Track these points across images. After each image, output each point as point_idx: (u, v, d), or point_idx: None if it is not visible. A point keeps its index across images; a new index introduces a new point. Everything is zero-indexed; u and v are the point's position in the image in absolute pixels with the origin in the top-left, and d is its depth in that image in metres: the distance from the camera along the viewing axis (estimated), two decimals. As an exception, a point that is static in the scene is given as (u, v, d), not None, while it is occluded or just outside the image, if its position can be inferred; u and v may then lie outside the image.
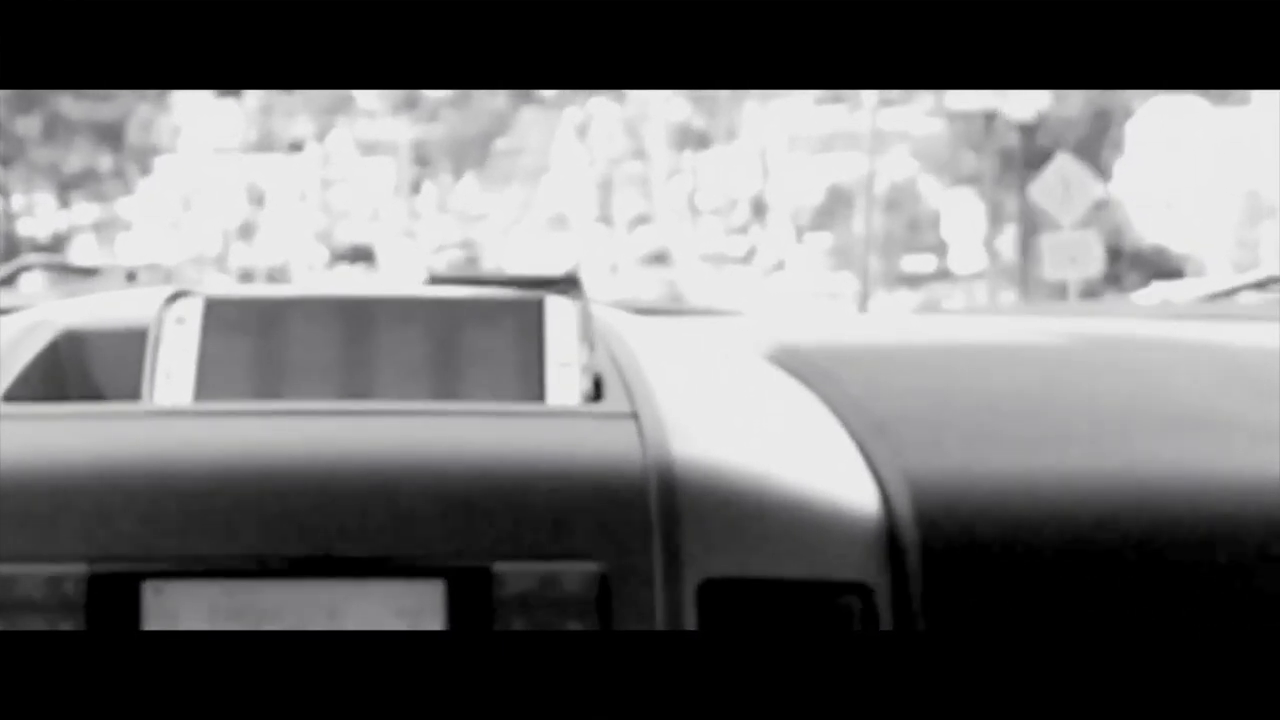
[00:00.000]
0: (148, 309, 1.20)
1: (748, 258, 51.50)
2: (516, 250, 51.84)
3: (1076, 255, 18.43)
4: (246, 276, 48.26)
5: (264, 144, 64.00)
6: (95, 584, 0.96)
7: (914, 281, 35.70)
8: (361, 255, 55.65)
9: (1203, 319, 1.74)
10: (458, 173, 70.53)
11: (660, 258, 51.78)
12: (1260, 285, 2.26)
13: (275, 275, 47.35)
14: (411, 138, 67.24)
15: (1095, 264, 18.20)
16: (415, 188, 66.75)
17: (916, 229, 36.58)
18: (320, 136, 66.69)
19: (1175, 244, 30.18)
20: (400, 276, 47.46)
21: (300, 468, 0.99)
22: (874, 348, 1.39)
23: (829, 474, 1.07)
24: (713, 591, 0.99)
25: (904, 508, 1.05)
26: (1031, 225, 20.90)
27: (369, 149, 67.21)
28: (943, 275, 35.92)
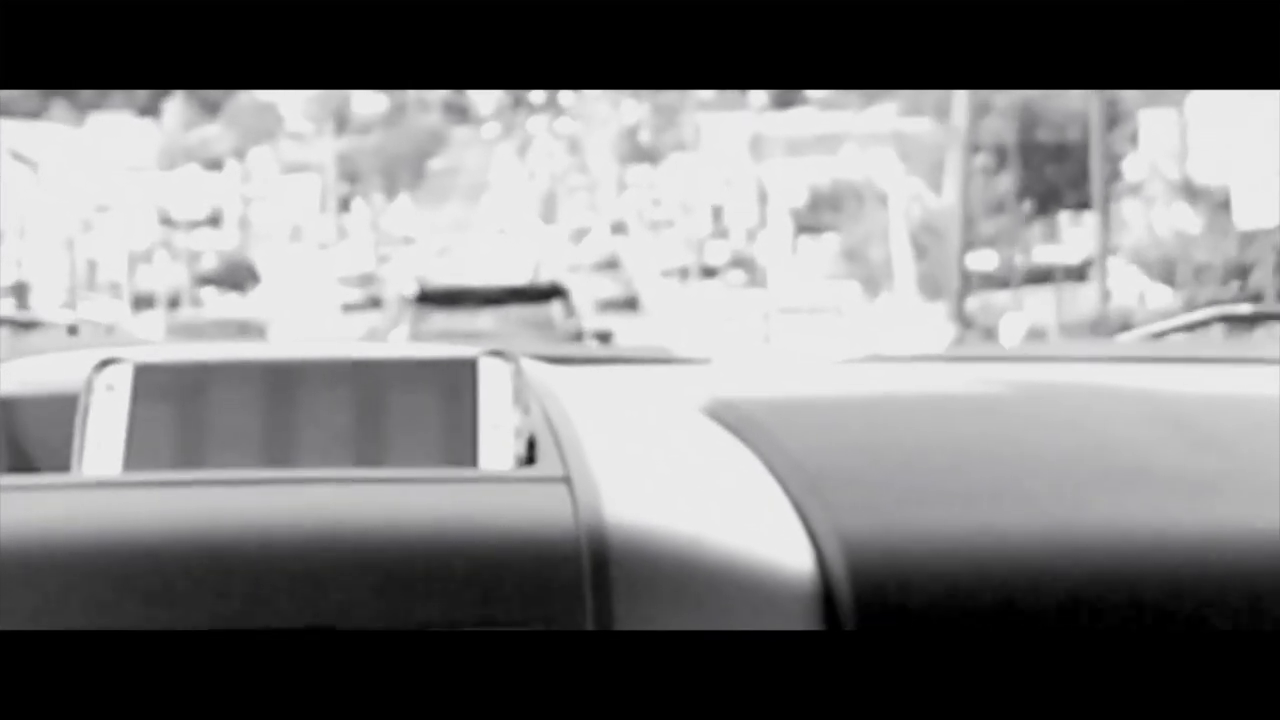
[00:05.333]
0: (80, 373, 1.11)
1: (724, 270, 46.51)
2: (470, 259, 48.20)
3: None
4: (143, 302, 40.31)
5: (177, 161, 57.09)
6: None
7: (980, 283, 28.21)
8: (239, 277, 48.45)
9: (1144, 362, 1.62)
10: (390, 191, 65.21)
11: (611, 264, 48.33)
12: (1193, 327, 2.04)
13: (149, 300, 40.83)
14: (338, 150, 61.72)
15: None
16: (344, 205, 62.10)
17: (931, 231, 29.82)
18: (240, 154, 60.72)
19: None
20: (286, 301, 45.43)
21: (232, 539, 0.95)
22: (811, 400, 1.30)
23: (764, 534, 1.03)
24: None
25: (838, 567, 1.01)
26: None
27: (294, 166, 61.28)
28: (1001, 281, 28.53)
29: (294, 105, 69.00)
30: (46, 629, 0.90)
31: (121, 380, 1.08)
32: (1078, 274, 26.05)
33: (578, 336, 14.56)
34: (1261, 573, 1.00)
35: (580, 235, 54.24)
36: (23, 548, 0.93)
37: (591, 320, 20.97)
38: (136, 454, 1.05)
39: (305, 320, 38.69)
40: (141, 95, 73.09)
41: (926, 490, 1.09)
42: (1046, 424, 1.23)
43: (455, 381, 1.08)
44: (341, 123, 66.13)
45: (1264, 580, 0.99)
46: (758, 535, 1.01)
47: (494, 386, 1.08)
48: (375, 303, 41.08)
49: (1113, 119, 39.97)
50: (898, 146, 35.09)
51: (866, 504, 1.06)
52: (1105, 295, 19.64)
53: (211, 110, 68.51)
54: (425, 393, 1.07)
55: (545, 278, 21.90)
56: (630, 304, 41.23)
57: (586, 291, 39.42)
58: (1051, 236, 32.31)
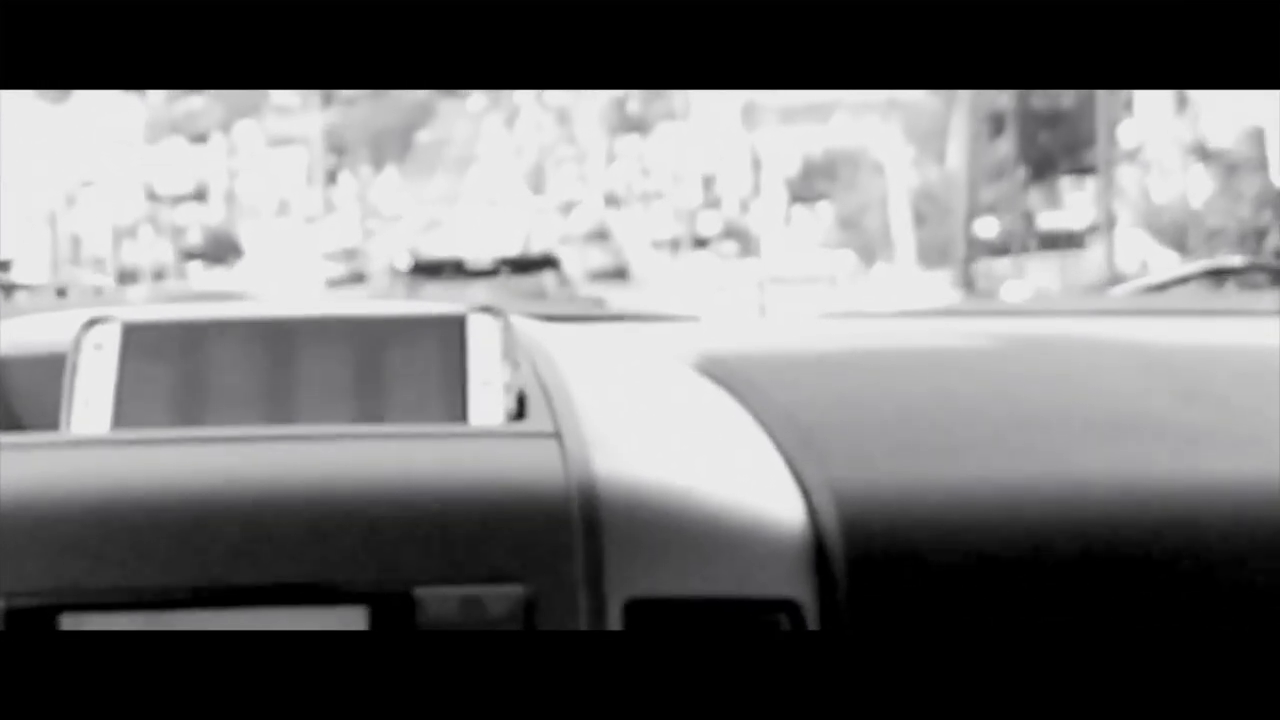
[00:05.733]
0: (69, 333, 1.11)
1: (717, 240, 45.83)
2: (460, 232, 47.30)
3: None
4: (128, 277, 39.78)
5: (162, 135, 56.48)
6: (12, 618, 0.93)
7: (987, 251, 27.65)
8: (224, 251, 47.87)
9: (1136, 315, 1.62)
10: (378, 164, 64.53)
11: (601, 235, 47.87)
12: (1186, 280, 1.97)
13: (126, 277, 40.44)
14: (325, 123, 61.09)
15: None
16: (331, 178, 61.36)
17: (929, 199, 29.19)
18: (226, 128, 60.08)
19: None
20: (264, 275, 45.21)
21: (221, 495, 0.94)
22: (801, 355, 1.30)
23: (755, 488, 1.03)
24: (638, 612, 0.95)
25: (830, 521, 1.00)
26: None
27: (280, 140, 60.67)
28: (1003, 247, 27.90)
29: (280, 79, 68.42)
30: (33, 587, 0.90)
31: (110, 339, 1.07)
32: (1080, 240, 25.50)
33: (571, 305, 14.43)
34: (1252, 522, 0.99)
35: (569, 207, 53.74)
36: (10, 506, 0.92)
37: (585, 289, 20.94)
38: (126, 413, 1.04)
39: (289, 295, 38.34)
40: (126, 70, 72.55)
41: (917, 443, 1.08)
42: (1037, 376, 1.22)
43: (445, 337, 1.07)
44: (328, 96, 65.53)
45: (1254, 530, 0.98)
46: (749, 489, 1.00)
47: (483, 342, 1.07)
48: (359, 278, 40.56)
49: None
50: (892, 114, 34.52)
51: (858, 457, 1.05)
52: (1111, 260, 19.11)
53: (280, 88, 67.97)
54: (417, 348, 1.07)
55: (537, 249, 21.61)
56: (620, 274, 40.81)
57: (577, 263, 39.25)
58: (1053, 202, 31.76)
